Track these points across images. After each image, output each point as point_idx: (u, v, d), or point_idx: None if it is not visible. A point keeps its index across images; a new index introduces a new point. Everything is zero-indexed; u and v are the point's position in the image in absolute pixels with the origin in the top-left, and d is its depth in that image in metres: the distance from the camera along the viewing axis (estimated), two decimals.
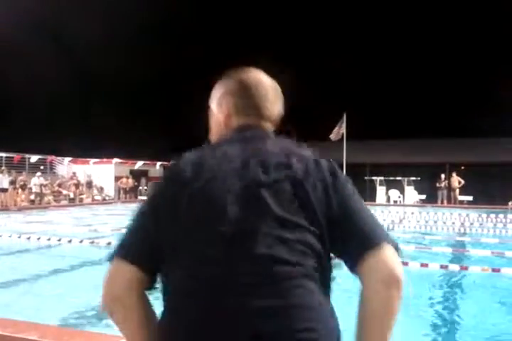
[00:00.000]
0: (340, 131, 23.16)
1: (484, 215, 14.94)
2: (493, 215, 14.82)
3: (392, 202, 22.85)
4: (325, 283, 1.16)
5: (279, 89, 1.42)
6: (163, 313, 1.16)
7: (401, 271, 1.13)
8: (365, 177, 25.05)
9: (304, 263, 1.10)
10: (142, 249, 1.18)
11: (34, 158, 24.00)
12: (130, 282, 1.15)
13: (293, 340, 1.04)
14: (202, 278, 1.09)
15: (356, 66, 36.84)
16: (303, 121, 35.30)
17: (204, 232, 1.12)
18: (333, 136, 23.26)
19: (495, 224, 13.08)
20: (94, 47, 31.94)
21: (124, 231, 1.27)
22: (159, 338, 1.14)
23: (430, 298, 5.70)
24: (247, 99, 1.34)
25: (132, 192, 25.06)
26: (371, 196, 23.81)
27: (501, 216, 14.71)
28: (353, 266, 1.16)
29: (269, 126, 1.39)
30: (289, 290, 1.06)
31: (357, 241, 1.15)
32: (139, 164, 26.20)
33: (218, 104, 1.38)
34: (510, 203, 18.83)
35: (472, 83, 34.06)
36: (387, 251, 1.12)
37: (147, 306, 1.20)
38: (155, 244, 1.16)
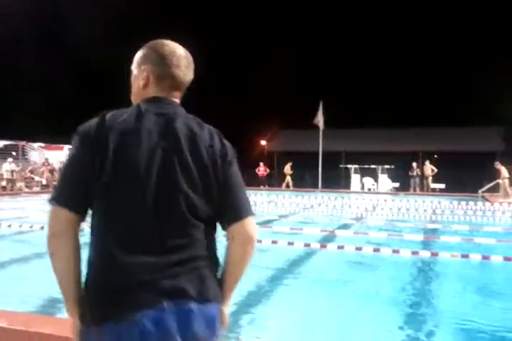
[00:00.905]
0: (317, 118, 23.27)
1: (455, 203, 15.30)
2: (463, 203, 15.18)
3: (366, 190, 23.16)
4: (214, 227, 1.60)
5: (191, 59, 1.65)
6: (89, 248, 1.47)
7: (256, 235, 1.61)
8: (341, 165, 25.28)
9: (202, 214, 1.51)
10: (72, 194, 1.45)
11: (0, 144, 23.59)
12: (65, 222, 1.45)
13: (195, 259, 1.47)
14: (123, 216, 1.42)
15: (333, 56, 36.91)
16: (279, 110, 35.37)
17: (127, 187, 1.43)
18: (316, 121, 23.36)
19: (465, 212, 13.41)
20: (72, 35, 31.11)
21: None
22: (88, 270, 1.46)
23: (401, 284, 5.82)
24: (163, 67, 1.58)
25: None
26: (346, 183, 24.08)
27: (472, 203, 15.09)
28: (224, 228, 1.60)
29: (178, 95, 1.65)
30: (193, 232, 1.49)
31: (230, 212, 1.56)
32: None
33: (139, 70, 1.63)
34: (480, 191, 19.31)
35: (447, 74, 34.52)
36: (250, 221, 1.57)
37: (77, 243, 1.48)
38: (83, 190, 1.44)
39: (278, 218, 11.78)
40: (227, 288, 1.61)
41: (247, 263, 1.63)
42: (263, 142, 34.71)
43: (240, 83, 40.10)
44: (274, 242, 8.10)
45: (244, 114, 37.89)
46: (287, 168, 23.87)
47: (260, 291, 5.38)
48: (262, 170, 24.56)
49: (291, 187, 23.26)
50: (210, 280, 1.50)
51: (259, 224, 10.63)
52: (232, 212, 1.56)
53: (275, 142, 32.69)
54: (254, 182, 23.88)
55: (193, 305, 1.42)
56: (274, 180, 26.42)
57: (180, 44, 1.63)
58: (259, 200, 16.86)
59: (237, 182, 1.62)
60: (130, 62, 1.67)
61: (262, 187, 23.70)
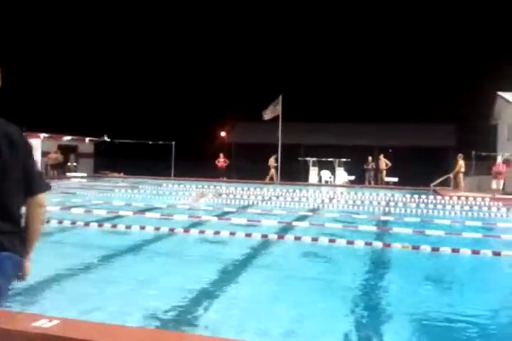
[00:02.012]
0: (275, 111, 23.38)
1: (408, 196, 15.81)
2: (416, 196, 15.72)
3: (323, 182, 23.57)
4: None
5: None
6: None
7: (45, 204, 2.21)
8: (299, 158, 25.57)
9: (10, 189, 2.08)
10: None
11: None
12: None
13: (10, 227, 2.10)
14: None
15: (294, 50, 37.14)
16: (240, 102, 35.32)
17: None
18: (266, 116, 23.46)
19: (417, 205, 13.88)
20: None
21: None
22: None
23: (355, 274, 6.00)
24: None
25: (60, 168, 24.03)
26: (304, 176, 24.40)
27: (423, 197, 15.64)
28: (24, 199, 2.15)
29: None
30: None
31: (30, 186, 2.14)
32: (66, 139, 25.00)
33: None
34: (432, 185, 20.02)
35: (404, 71, 35.38)
36: (41, 196, 2.19)
37: None
38: None
39: (236, 210, 11.84)
40: (29, 245, 2.21)
41: (41, 222, 2.24)
42: (223, 133, 34.63)
43: (202, 75, 39.75)
44: (232, 234, 8.17)
45: (204, 105, 37.61)
46: (271, 161, 23.83)
47: (218, 283, 5.42)
48: (221, 161, 24.54)
49: (276, 181, 23.23)
50: (17, 241, 2.12)
51: (218, 216, 10.68)
52: (31, 188, 2.15)
53: (235, 134, 32.68)
54: (214, 173, 23.87)
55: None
56: (232, 172, 26.44)
57: None
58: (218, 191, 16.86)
59: (35, 168, 2.20)
60: None
61: (221, 178, 23.70)
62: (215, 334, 3.76)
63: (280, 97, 23.37)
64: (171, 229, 8.41)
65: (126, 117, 38.43)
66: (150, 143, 25.12)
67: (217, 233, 8.23)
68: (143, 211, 10.97)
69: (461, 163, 19.64)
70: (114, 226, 8.72)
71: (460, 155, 20.01)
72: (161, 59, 40.99)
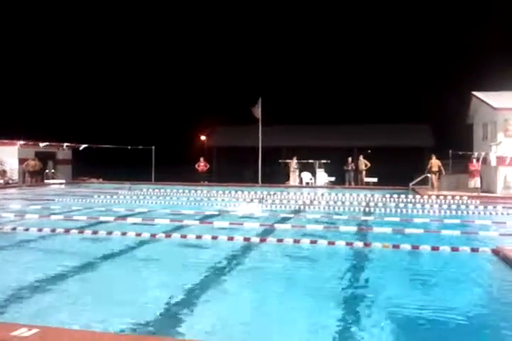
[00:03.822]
0: (256, 113, 23.47)
1: (388, 196, 16.00)
2: (395, 196, 15.92)
3: (304, 184, 23.68)
4: None
5: None
6: None
7: None
8: (280, 160, 25.66)
9: None
10: None
11: None
12: None
13: None
14: None
15: (272, 55, 37.35)
16: (220, 106, 35.33)
17: None
18: (256, 114, 23.50)
19: (397, 204, 14.06)
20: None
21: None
22: None
23: (337, 273, 6.06)
24: None
25: (38, 175, 23.66)
26: (285, 178, 24.44)
27: (403, 196, 15.84)
28: None
29: None
30: None
31: None
32: (43, 145, 24.58)
33: None
34: (410, 184, 20.29)
35: (381, 74, 35.83)
36: None
37: None
38: None
39: (218, 213, 11.83)
40: None
41: None
42: (203, 137, 34.55)
43: (181, 79, 39.63)
44: (214, 238, 8.16)
45: (184, 110, 37.49)
46: (293, 163, 23.76)
47: (201, 287, 5.42)
48: (202, 165, 24.46)
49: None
50: None
51: (200, 220, 10.64)
52: None
53: (215, 137, 32.63)
54: (194, 177, 23.77)
55: None
56: (213, 175, 26.39)
57: None
58: (200, 196, 16.82)
59: None
60: None
61: (202, 182, 23.61)
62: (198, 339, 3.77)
63: (259, 100, 23.45)
64: (153, 235, 8.37)
65: (104, 122, 38.07)
66: (129, 148, 24.90)
67: (199, 237, 8.22)
68: (124, 217, 10.88)
69: (431, 162, 20.03)
70: (95, 232, 8.64)
71: (433, 156, 20.39)
72: (139, 63, 40.77)
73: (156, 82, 40.06)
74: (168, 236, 8.39)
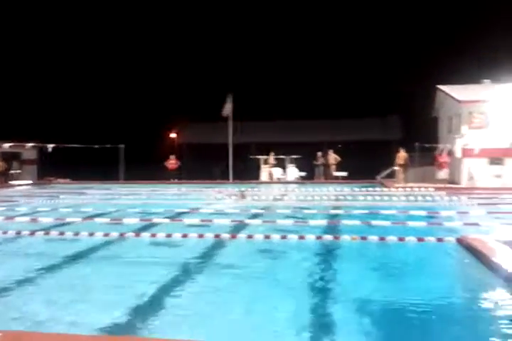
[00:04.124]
0: (226, 110, 23.41)
1: (357, 189, 16.23)
2: (364, 189, 16.16)
3: (275, 180, 23.77)
4: None
5: None
6: None
7: None
8: (250, 156, 25.67)
9: None
10: None
11: None
12: None
13: None
14: None
15: (241, 50, 37.31)
16: (189, 102, 35.09)
17: None
18: (224, 112, 23.42)
19: (365, 197, 14.28)
20: None
21: None
22: None
23: (307, 267, 6.13)
24: None
25: (3, 176, 23.01)
26: (256, 174, 24.48)
27: (371, 189, 16.10)
28: None
29: None
30: None
31: None
32: (6, 146, 23.87)
33: None
34: (378, 177, 20.65)
35: (347, 68, 36.18)
36: None
37: None
38: None
39: (189, 211, 11.76)
40: None
41: None
42: (173, 135, 34.25)
43: (149, 76, 39.11)
44: (184, 236, 8.12)
45: (153, 107, 37.08)
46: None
47: (172, 285, 5.39)
48: (172, 162, 24.21)
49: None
50: None
51: (170, 217, 10.57)
52: None
53: (185, 134, 32.41)
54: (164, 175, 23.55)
55: None
56: (184, 173, 26.20)
57: None
58: (170, 194, 16.69)
59: None
60: None
61: (172, 180, 23.39)
62: (168, 337, 3.75)
63: (230, 97, 23.39)
64: (121, 234, 8.26)
65: (70, 121, 37.27)
66: (96, 147, 24.46)
67: (169, 235, 8.16)
68: (91, 217, 10.70)
69: (399, 155, 20.47)
70: (62, 233, 8.47)
71: (400, 149, 20.82)
72: (105, 59, 40.03)
73: (124, 79, 39.43)
74: (137, 235, 8.30)
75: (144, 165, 24.74)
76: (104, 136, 27.75)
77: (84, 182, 22.72)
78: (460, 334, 3.95)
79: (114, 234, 8.24)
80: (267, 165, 23.91)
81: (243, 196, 14.14)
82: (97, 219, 10.22)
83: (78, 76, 39.42)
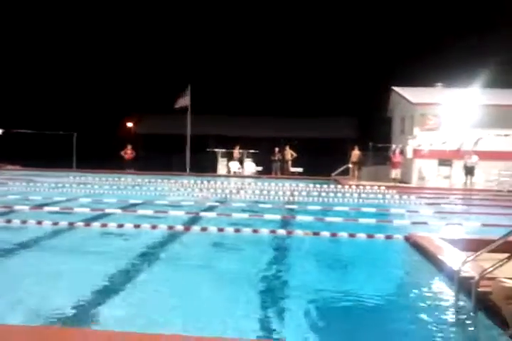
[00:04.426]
0: (184, 101, 23.18)
1: (311, 185, 16.47)
2: (318, 185, 16.41)
3: (232, 174, 23.78)
4: None
5: None
6: None
7: None
8: (208, 149, 25.55)
9: None
10: None
11: None
12: None
13: None
14: None
15: (201, 43, 36.98)
16: (148, 94, 34.47)
17: None
18: (177, 105, 23.18)
19: (319, 193, 14.51)
20: None
21: None
22: None
23: (259, 261, 6.17)
24: None
25: None
26: (213, 167, 24.41)
27: (325, 186, 16.38)
28: None
29: None
30: None
31: None
32: None
33: None
34: (333, 174, 21.04)
35: (308, 68, 36.54)
36: None
37: None
38: None
39: (142, 202, 11.59)
40: None
41: None
42: (130, 124, 33.59)
43: (107, 64, 38.08)
44: (136, 226, 8.00)
45: (110, 96, 36.19)
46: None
47: (121, 277, 5.30)
48: (129, 152, 23.73)
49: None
50: None
51: (123, 208, 10.38)
52: None
53: (142, 125, 31.85)
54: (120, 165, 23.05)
55: None
56: (140, 163, 25.74)
57: None
58: (124, 184, 16.38)
59: None
60: None
61: (127, 170, 22.94)
62: (117, 329, 3.69)
63: (188, 88, 23.15)
64: (71, 223, 8.04)
65: (22, 106, 35.80)
66: (48, 133, 23.64)
67: (120, 226, 8.01)
68: (40, 205, 10.35)
69: (353, 153, 21.00)
70: (9, 221, 8.16)
71: (355, 147, 21.34)
72: (63, 43, 38.63)
73: (81, 66, 38.23)
74: (87, 225, 8.10)
75: (99, 154, 24.16)
76: (58, 122, 26.87)
77: (35, 169, 21.93)
78: (400, 328, 4.09)
79: (63, 224, 8.01)
80: (233, 159, 23.89)
81: (206, 199, 14.12)
82: (46, 208, 9.90)
83: (33, 60, 37.90)
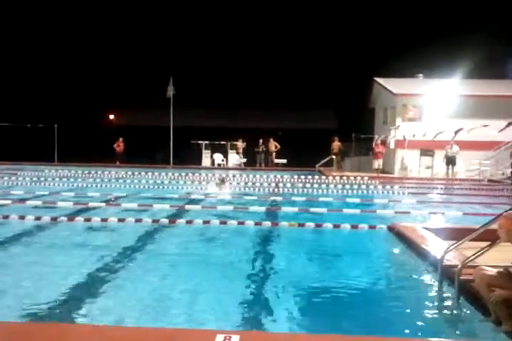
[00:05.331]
0: (168, 92, 23.02)
1: (296, 177, 16.53)
2: (302, 176, 16.49)
3: (216, 166, 23.74)
4: None
5: None
6: None
7: None
8: (192, 141, 25.42)
9: None
10: None
11: None
12: None
13: None
14: None
15: (183, 36, 36.64)
16: (130, 86, 34.03)
17: None
18: (168, 94, 23.00)
19: (304, 185, 14.58)
20: None
21: None
22: None
23: (246, 252, 6.20)
24: None
25: None
26: (197, 159, 24.33)
27: (309, 177, 16.46)
28: None
29: None
30: None
31: None
32: None
33: None
34: (317, 165, 21.12)
35: (290, 61, 36.43)
36: None
37: None
38: None
39: (126, 195, 11.51)
40: None
41: None
42: (112, 117, 33.21)
43: (88, 57, 37.45)
44: (120, 220, 7.95)
45: (92, 88, 35.66)
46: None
47: (106, 271, 5.28)
48: (121, 145, 23.41)
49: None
50: None
51: (106, 202, 10.31)
52: None
53: (124, 117, 31.52)
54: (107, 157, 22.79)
55: None
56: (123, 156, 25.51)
57: None
58: (107, 177, 16.24)
59: None
60: None
61: (118, 163, 22.60)
62: (101, 323, 3.69)
63: (171, 79, 22.95)
64: (54, 218, 7.95)
65: (0, 99, 35.07)
66: (29, 126, 23.25)
67: (104, 220, 7.95)
68: (22, 200, 10.21)
69: (333, 144, 21.16)
70: None
71: (335, 138, 21.51)
72: (41, 37, 37.86)
73: (63, 58, 37.53)
74: (71, 219, 8.02)
75: (82, 146, 23.86)
76: (38, 115, 26.38)
77: (15, 162, 21.58)
78: (384, 315, 4.16)
79: (46, 218, 7.93)
80: (234, 151, 23.89)
81: (223, 182, 14.07)
82: (29, 202, 9.78)
83: (12, 52, 37.08)
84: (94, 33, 37.83)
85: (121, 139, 23.62)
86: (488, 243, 4.09)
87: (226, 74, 35.43)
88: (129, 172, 17.33)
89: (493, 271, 3.82)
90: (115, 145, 23.38)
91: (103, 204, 9.95)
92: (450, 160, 17.97)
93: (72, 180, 15.21)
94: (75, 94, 36.00)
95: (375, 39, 33.95)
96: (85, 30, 37.71)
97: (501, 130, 17.87)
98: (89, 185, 13.83)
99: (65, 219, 8.01)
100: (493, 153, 18.45)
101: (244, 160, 24.14)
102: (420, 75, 22.98)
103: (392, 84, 21.18)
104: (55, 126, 23.70)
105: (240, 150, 23.96)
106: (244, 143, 24.06)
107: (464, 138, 18.38)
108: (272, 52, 36.76)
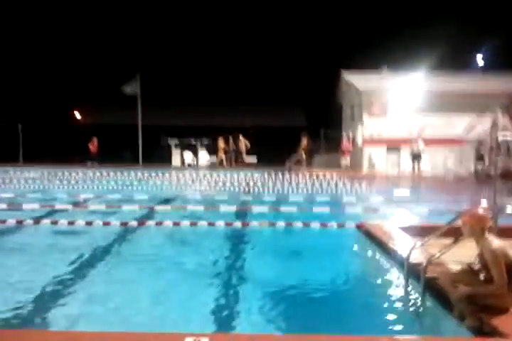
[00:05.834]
0: (133, 89, 22.68)
1: (266, 175, 16.54)
2: (273, 175, 16.51)
3: (186, 165, 23.55)
4: None
5: None
6: None
7: None
8: (160, 140, 25.18)
9: None
10: None
11: None
12: None
13: None
14: None
15: (150, 33, 36.23)
16: (99, 84, 33.36)
17: None
18: (128, 89, 22.62)
19: (274, 183, 14.61)
20: None
21: None
22: None
23: (215, 253, 6.20)
24: None
25: None
26: (167, 159, 24.09)
27: (280, 175, 16.50)
28: None
29: None
30: None
31: None
32: None
33: None
34: (287, 163, 21.23)
35: (259, 58, 36.43)
36: None
37: None
38: None
39: (93, 197, 11.29)
40: None
41: None
42: (78, 115, 32.52)
43: (52, 54, 36.51)
44: (88, 223, 7.80)
45: (57, 86, 34.81)
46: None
47: (72, 276, 5.18)
48: (95, 145, 22.87)
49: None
50: None
51: (72, 203, 10.11)
52: None
53: (91, 115, 30.91)
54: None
55: None
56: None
57: None
58: (74, 178, 15.90)
59: None
60: None
61: (91, 163, 22.01)
62: (68, 330, 3.63)
63: (138, 76, 22.65)
64: (19, 221, 7.74)
65: None
66: None
67: (71, 223, 7.79)
68: None
69: (301, 141, 21.34)
70: None
71: (303, 133, 21.64)
72: (6, 31, 36.69)
73: (23, 55, 36.47)
74: (36, 222, 7.83)
75: (46, 146, 23.27)
76: (0, 114, 25.62)
77: None
78: (351, 314, 4.22)
79: (11, 222, 7.71)
80: (219, 152, 23.55)
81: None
82: None
83: None
84: (58, 29, 36.93)
85: (94, 139, 23.11)
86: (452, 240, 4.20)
87: (193, 72, 35.19)
88: (97, 173, 17.03)
89: (456, 268, 3.93)
90: (90, 145, 22.86)
91: (70, 206, 9.75)
92: (416, 157, 18.25)
93: (37, 180, 14.84)
94: (38, 93, 35.08)
95: (339, 34, 34.17)
96: (50, 26, 36.76)
97: (466, 133, 18.07)
98: (56, 187, 13.53)
99: (30, 222, 7.81)
100: (458, 149, 18.85)
101: (214, 159, 24.02)
102: (385, 67, 22.82)
103: (358, 80, 21.24)
104: (19, 125, 23.05)
105: (221, 152, 23.66)
106: (222, 142, 23.79)
107: (429, 134, 18.69)
108: (237, 49, 36.69)
